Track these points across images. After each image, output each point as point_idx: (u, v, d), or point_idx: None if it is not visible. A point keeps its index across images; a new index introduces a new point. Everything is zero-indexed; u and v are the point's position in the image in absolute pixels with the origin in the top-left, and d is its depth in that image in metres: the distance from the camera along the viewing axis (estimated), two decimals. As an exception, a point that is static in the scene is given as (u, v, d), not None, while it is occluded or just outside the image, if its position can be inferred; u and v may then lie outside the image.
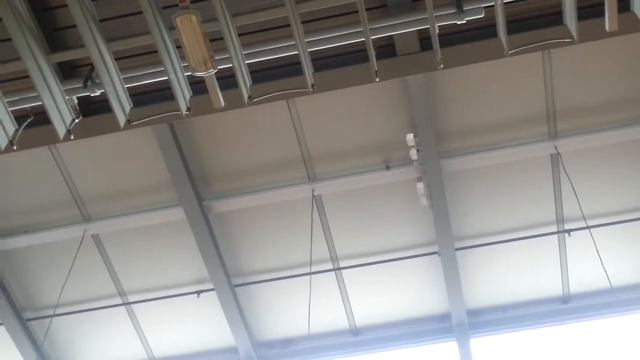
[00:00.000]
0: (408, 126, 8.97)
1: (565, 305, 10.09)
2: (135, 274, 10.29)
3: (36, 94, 6.74)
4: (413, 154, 8.94)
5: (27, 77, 6.65)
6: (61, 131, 6.86)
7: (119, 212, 9.78)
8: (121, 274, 10.29)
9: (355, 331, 10.48)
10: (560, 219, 9.71)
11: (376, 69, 6.95)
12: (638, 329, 9.44)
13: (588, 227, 9.05)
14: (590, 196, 9.38)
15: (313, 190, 9.53)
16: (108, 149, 9.26)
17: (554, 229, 9.77)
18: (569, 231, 9.57)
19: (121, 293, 10.40)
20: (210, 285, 10.05)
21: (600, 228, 9.39)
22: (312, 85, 7.02)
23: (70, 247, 9.81)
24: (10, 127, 7.00)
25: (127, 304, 10.43)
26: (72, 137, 7.04)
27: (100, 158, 9.41)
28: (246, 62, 6.98)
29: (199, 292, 10.12)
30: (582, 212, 9.02)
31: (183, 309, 10.41)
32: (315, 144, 9.32)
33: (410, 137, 8.87)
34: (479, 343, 9.93)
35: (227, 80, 7.20)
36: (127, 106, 7.06)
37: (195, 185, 9.38)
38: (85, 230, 9.81)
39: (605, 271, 8.42)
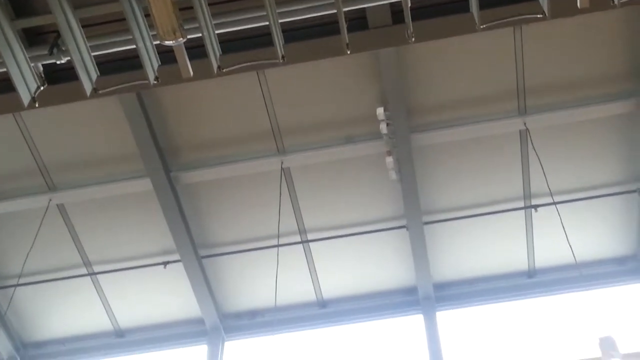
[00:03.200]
0: (378, 100, 8.94)
1: (531, 280, 10.19)
2: (101, 244, 10.19)
3: (0, 61, 6.59)
4: (383, 127, 8.91)
5: (-9, 43, 6.50)
6: (26, 99, 6.74)
7: (85, 182, 9.65)
8: (87, 244, 10.18)
9: (322, 303, 10.49)
10: (527, 195, 9.78)
11: (347, 42, 6.90)
12: (601, 304, 9.57)
13: (554, 203, 9.12)
14: (558, 172, 9.45)
15: (282, 163, 9.49)
16: (74, 118, 9.11)
17: (521, 204, 9.84)
18: (535, 207, 9.64)
19: (86, 263, 10.29)
20: (176, 257, 9.98)
21: (567, 204, 9.48)
22: (283, 57, 6.94)
23: (34, 216, 9.67)
24: (-27, 94, 6.87)
25: (92, 274, 10.33)
26: (37, 105, 6.93)
27: (66, 127, 9.26)
28: (216, 32, 6.88)
29: (165, 264, 10.06)
30: (549, 188, 9.08)
31: (149, 280, 10.35)
32: (285, 117, 9.25)
33: (380, 110, 8.83)
34: (444, 316, 9.99)
35: (196, 50, 7.10)
36: (94, 74, 6.94)
37: (163, 156, 9.28)
38: (50, 200, 9.66)
39: (571, 247, 8.50)
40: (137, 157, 9.29)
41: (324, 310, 10.48)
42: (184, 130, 9.35)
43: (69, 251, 10.19)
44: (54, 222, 9.87)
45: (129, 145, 9.23)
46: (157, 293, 10.48)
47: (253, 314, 10.55)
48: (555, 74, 8.96)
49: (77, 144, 9.43)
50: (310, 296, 10.48)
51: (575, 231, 9.40)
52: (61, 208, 9.87)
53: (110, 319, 10.66)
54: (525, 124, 9.18)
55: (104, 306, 10.58)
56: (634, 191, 9.60)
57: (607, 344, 7.06)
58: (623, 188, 9.71)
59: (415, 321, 10.04)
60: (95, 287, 10.44)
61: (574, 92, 9.08)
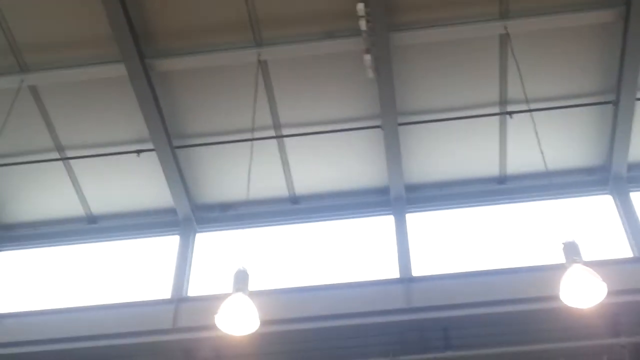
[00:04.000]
0: (359, -5, 8.78)
1: (501, 186, 10.29)
2: (73, 129, 10.10)
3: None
4: (362, 24, 8.75)
5: None
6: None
7: (59, 64, 9.50)
8: (59, 128, 10.09)
9: (294, 199, 10.56)
10: (503, 101, 9.77)
11: None
12: (569, 213, 9.72)
13: (530, 110, 9.12)
14: (535, 80, 9.43)
15: (259, 55, 9.35)
16: (49, -3, 8.88)
17: (497, 110, 9.84)
18: (510, 113, 9.61)
19: (59, 148, 10.22)
20: (150, 146, 9.91)
21: (542, 112, 9.48)
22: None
23: (5, 97, 9.51)
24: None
25: (65, 159, 10.27)
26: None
27: (41, 6, 9.02)
28: None
29: (138, 152, 9.98)
30: (525, 94, 9.03)
31: (122, 168, 10.33)
32: (264, 8, 9.09)
33: (360, 6, 8.66)
34: (414, 218, 10.11)
35: None
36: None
37: (138, 42, 9.10)
38: (22, 81, 9.51)
39: (542, 154, 8.52)
40: (112, 42, 9.12)
41: (296, 206, 10.55)
42: (160, 15, 9.15)
43: (41, 135, 10.11)
44: (25, 104, 9.73)
45: (104, 28, 9.05)
46: (130, 181, 10.48)
47: (225, 206, 10.59)
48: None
49: (51, 24, 9.23)
50: (283, 192, 10.52)
51: (548, 140, 9.45)
52: (33, 90, 9.71)
53: (82, 205, 10.67)
54: (506, 28, 9.08)
55: (77, 192, 10.57)
56: (608, 102, 9.60)
57: (570, 249, 7.19)
58: (598, 99, 9.73)
59: (385, 221, 10.17)
60: (67, 172, 10.41)
61: (557, -2, 9.02)
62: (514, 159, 10.19)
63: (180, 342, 8.73)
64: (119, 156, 10.15)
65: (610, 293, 6.92)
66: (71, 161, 10.33)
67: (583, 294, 6.94)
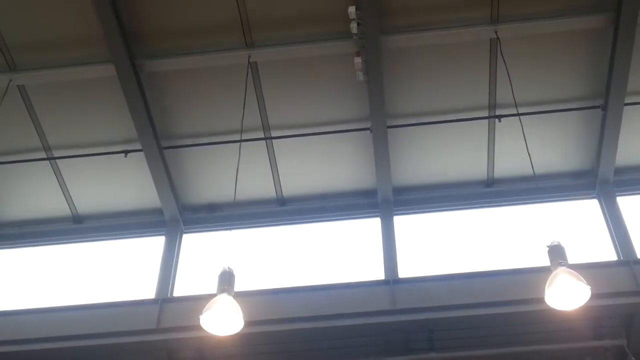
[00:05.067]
0: (351, -2, 8.81)
1: (489, 189, 10.32)
2: (61, 129, 10.07)
3: None
4: (353, 27, 8.78)
5: None
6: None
7: (48, 64, 9.46)
8: (47, 128, 10.06)
9: (281, 201, 10.54)
10: (492, 105, 9.80)
11: None
12: (556, 217, 9.74)
13: (519, 115, 9.13)
14: (524, 84, 9.49)
15: (249, 57, 9.36)
16: (38, -3, 8.87)
17: (486, 114, 9.88)
18: (499, 117, 9.68)
19: (46, 148, 10.18)
20: (138, 146, 9.89)
21: (530, 117, 9.54)
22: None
23: (-7, 96, 9.53)
24: None
25: (52, 158, 10.24)
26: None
27: (30, 6, 9.02)
28: None
29: (126, 152, 9.97)
30: (514, 99, 9.08)
31: (110, 168, 10.30)
32: (255, 9, 9.11)
33: (351, 9, 8.69)
34: (402, 220, 10.11)
35: None
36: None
37: (128, 42, 9.09)
38: (10, 80, 9.47)
39: (530, 158, 8.56)
40: (102, 42, 9.11)
41: (284, 207, 10.53)
42: (151, 17, 9.15)
43: (28, 134, 10.07)
44: (13, 104, 9.71)
45: (94, 28, 9.04)
46: (117, 181, 10.45)
47: (212, 207, 10.58)
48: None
49: (41, 25, 9.22)
50: (271, 193, 10.51)
51: (536, 143, 9.49)
52: (22, 89, 9.68)
53: (68, 205, 10.63)
54: (496, 32, 9.12)
55: (63, 191, 10.53)
56: (597, 107, 9.65)
57: (555, 252, 7.20)
58: (587, 103, 9.78)
59: (372, 223, 10.17)
60: (54, 171, 10.38)
61: (548, 3, 9.02)
62: (502, 163, 10.22)
63: (164, 342, 8.67)
64: (106, 156, 10.13)
65: (594, 296, 6.92)
66: (58, 161, 10.30)
67: (567, 296, 6.94)
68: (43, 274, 10.32)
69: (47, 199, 10.60)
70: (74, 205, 10.66)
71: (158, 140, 9.83)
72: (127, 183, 10.46)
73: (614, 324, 8.46)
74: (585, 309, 7.09)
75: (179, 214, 10.41)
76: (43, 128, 10.07)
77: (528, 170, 8.78)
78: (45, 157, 10.23)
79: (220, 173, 10.23)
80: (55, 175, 10.41)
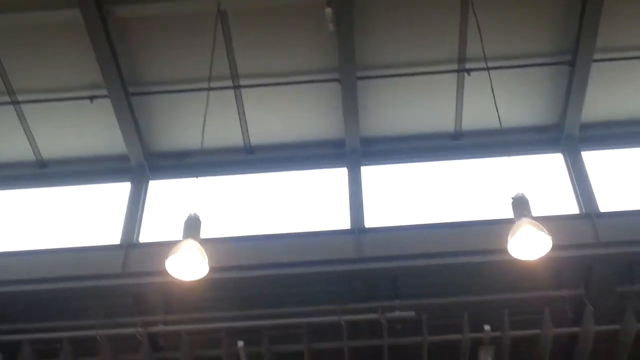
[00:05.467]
0: (323, -54, 8.71)
1: (456, 142, 10.36)
2: (26, 73, 9.90)
3: None
4: (324, -23, 8.74)
5: None
6: None
7: (13, 7, 9.21)
8: (11, 72, 9.88)
9: (249, 149, 10.49)
10: (462, 58, 9.82)
11: None
12: (522, 170, 9.81)
13: (487, 68, 9.12)
14: (494, 38, 9.42)
15: (219, 4, 9.23)
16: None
17: (455, 67, 9.89)
18: (468, 70, 9.73)
19: (10, 92, 10.01)
20: (104, 92, 9.77)
21: (499, 70, 9.54)
22: None
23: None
24: None
25: (16, 103, 10.07)
26: None
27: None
28: None
29: (92, 98, 9.85)
30: (484, 52, 9.03)
31: (75, 114, 10.16)
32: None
33: (322, -42, 8.63)
34: (369, 171, 10.14)
35: None
36: None
37: (95, -14, 8.93)
38: (-26, 22, 9.29)
39: (498, 112, 8.58)
40: (68, -16, 8.94)
41: (251, 156, 10.50)
42: (118, -38, 8.99)
43: (-9, 77, 9.91)
44: (-24, 47, 9.54)
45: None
46: (82, 127, 10.32)
47: (180, 155, 10.47)
48: None
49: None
50: (239, 142, 10.46)
51: (504, 98, 9.49)
52: (-15, 32, 9.51)
53: (33, 150, 10.46)
54: (467, -16, 9.13)
55: (27, 136, 10.36)
56: (565, 63, 9.71)
57: (519, 204, 7.28)
58: (555, 59, 9.83)
59: (340, 174, 10.18)
60: (18, 116, 10.20)
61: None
62: (470, 116, 10.27)
63: (130, 286, 8.69)
64: (72, 102, 10.00)
65: (555, 247, 7.03)
66: (23, 105, 10.12)
67: (529, 246, 7.06)
68: (7, 219, 10.22)
69: (11, 144, 10.42)
70: (39, 150, 10.51)
71: (125, 87, 9.71)
72: (93, 129, 10.33)
73: (573, 275, 8.63)
74: (546, 259, 7.21)
75: (145, 161, 10.32)
76: (7, 72, 9.88)
77: (495, 124, 8.82)
78: (10, 101, 10.05)
79: (188, 121, 10.13)
80: (20, 119, 10.24)
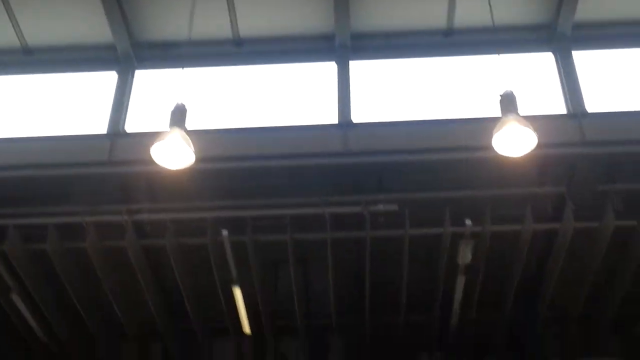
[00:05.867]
0: None
1: (447, 39, 10.20)
2: (9, -45, 9.62)
3: None
4: None
5: None
6: None
7: None
8: (-7, -48, 9.60)
9: (238, 42, 10.30)
10: (457, -50, 9.60)
11: None
12: (513, 69, 9.71)
13: (482, -37, 8.92)
14: None
15: None
16: None
17: (450, -41, 9.68)
18: (463, -36, 9.52)
19: (-6, -26, 9.74)
20: (90, -23, 9.53)
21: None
22: None
23: None
24: None
25: (-2, -14, 9.80)
26: None
27: None
28: None
29: (78, -17, 9.64)
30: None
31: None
32: None
33: None
34: (358, 66, 10.02)
35: None
36: None
37: None
38: None
39: (491, 9, 8.41)
40: None
41: (240, 48, 10.32)
42: None
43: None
44: None
45: None
46: (68, 13, 10.10)
47: (167, 45, 10.29)
48: None
49: None
50: (227, 33, 10.25)
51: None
52: None
53: (17, 36, 10.22)
54: None
55: (12, 22, 10.10)
56: (561, -42, 9.52)
57: (507, 101, 7.24)
58: (552, -45, 9.62)
59: (329, 68, 10.07)
60: (2, 1, 9.91)
61: None
62: (462, 13, 10.06)
63: (115, 174, 8.75)
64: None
65: (540, 145, 7.03)
66: (6, -11, 9.87)
67: (514, 143, 7.06)
68: (-7, 105, 10.14)
69: (-5, 29, 10.23)
70: (23, 36, 10.29)
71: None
72: (80, 16, 10.09)
73: (556, 173, 8.71)
74: (531, 156, 7.21)
75: (132, 50, 10.16)
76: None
77: (488, 22, 8.68)
78: (-8, -16, 9.78)
79: (176, 9, 9.87)
80: (3, 4, 9.96)
